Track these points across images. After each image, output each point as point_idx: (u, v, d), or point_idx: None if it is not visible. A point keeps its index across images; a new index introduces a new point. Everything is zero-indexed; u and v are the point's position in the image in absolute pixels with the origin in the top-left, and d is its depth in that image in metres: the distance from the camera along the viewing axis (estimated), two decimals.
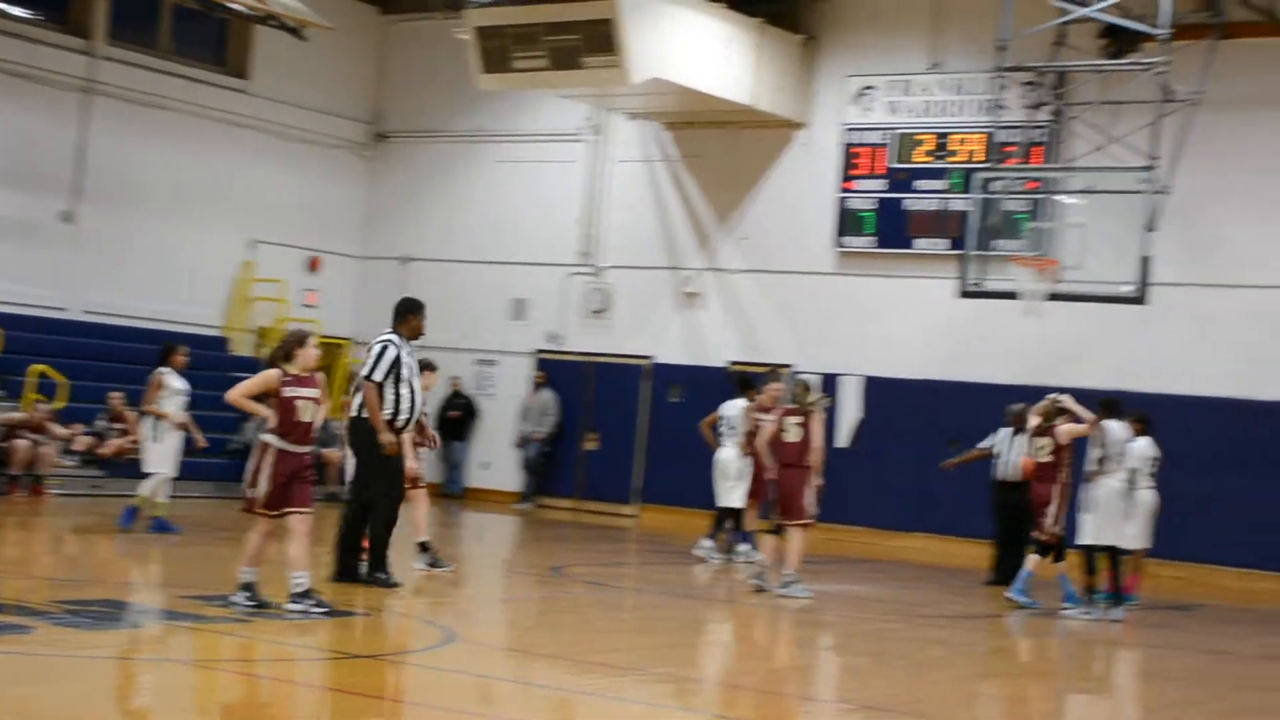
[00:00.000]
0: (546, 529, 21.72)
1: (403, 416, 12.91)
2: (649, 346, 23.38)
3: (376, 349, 12.88)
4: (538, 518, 22.93)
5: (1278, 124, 19.32)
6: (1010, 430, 17.40)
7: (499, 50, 20.46)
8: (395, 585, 12.96)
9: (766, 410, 16.75)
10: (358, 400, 13.00)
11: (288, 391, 11.09)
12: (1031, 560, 15.21)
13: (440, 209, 25.25)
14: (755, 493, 17.01)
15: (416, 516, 14.39)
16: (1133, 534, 15.65)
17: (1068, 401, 15.24)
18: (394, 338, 12.96)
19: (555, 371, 23.93)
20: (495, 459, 24.15)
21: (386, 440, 12.74)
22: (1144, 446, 15.70)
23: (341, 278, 25.36)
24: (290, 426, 11.07)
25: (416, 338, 13.18)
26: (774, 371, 18.48)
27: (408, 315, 13.13)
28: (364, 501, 13.09)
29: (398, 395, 12.85)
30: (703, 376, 22.40)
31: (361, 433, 12.95)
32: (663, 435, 22.97)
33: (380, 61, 25.84)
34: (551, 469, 23.94)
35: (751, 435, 16.35)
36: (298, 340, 11.30)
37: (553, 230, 24.25)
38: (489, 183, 24.88)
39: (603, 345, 23.83)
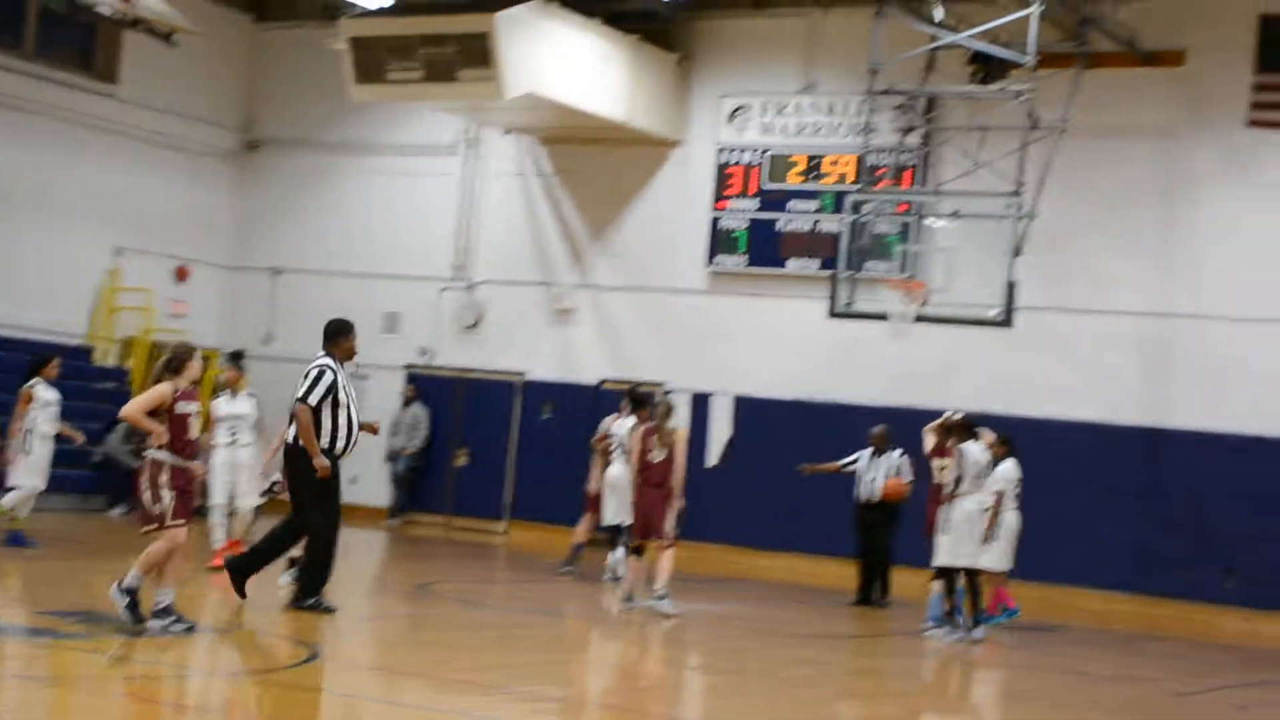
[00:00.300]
0: (415, 545, 21.57)
1: (340, 442, 12.67)
2: (521, 362, 23.32)
3: (313, 373, 12.57)
4: (407, 534, 22.76)
5: (1137, 153, 19.73)
6: (871, 451, 17.62)
7: (373, 61, 20.32)
8: (331, 611, 12.74)
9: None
10: (293, 426, 12.65)
11: (180, 407, 10.93)
12: (935, 585, 15.37)
13: (312, 220, 25.00)
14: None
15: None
16: (996, 555, 15.89)
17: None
18: (329, 361, 12.67)
19: (426, 386, 23.78)
20: (364, 474, 23.92)
21: (320, 465, 12.51)
22: (1009, 468, 15.94)
23: (210, 288, 25.00)
24: (183, 443, 10.94)
25: (351, 359, 12.92)
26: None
27: (339, 337, 12.84)
28: (298, 528, 12.83)
29: (335, 420, 12.58)
30: (574, 393, 22.39)
31: (297, 459, 12.64)
32: (533, 452, 22.91)
33: (253, 69, 25.53)
34: (421, 485, 23.77)
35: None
36: (186, 354, 11.13)
37: (426, 244, 24.11)
38: (362, 194, 24.68)
39: (474, 361, 23.72)
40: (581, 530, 17.96)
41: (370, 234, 24.53)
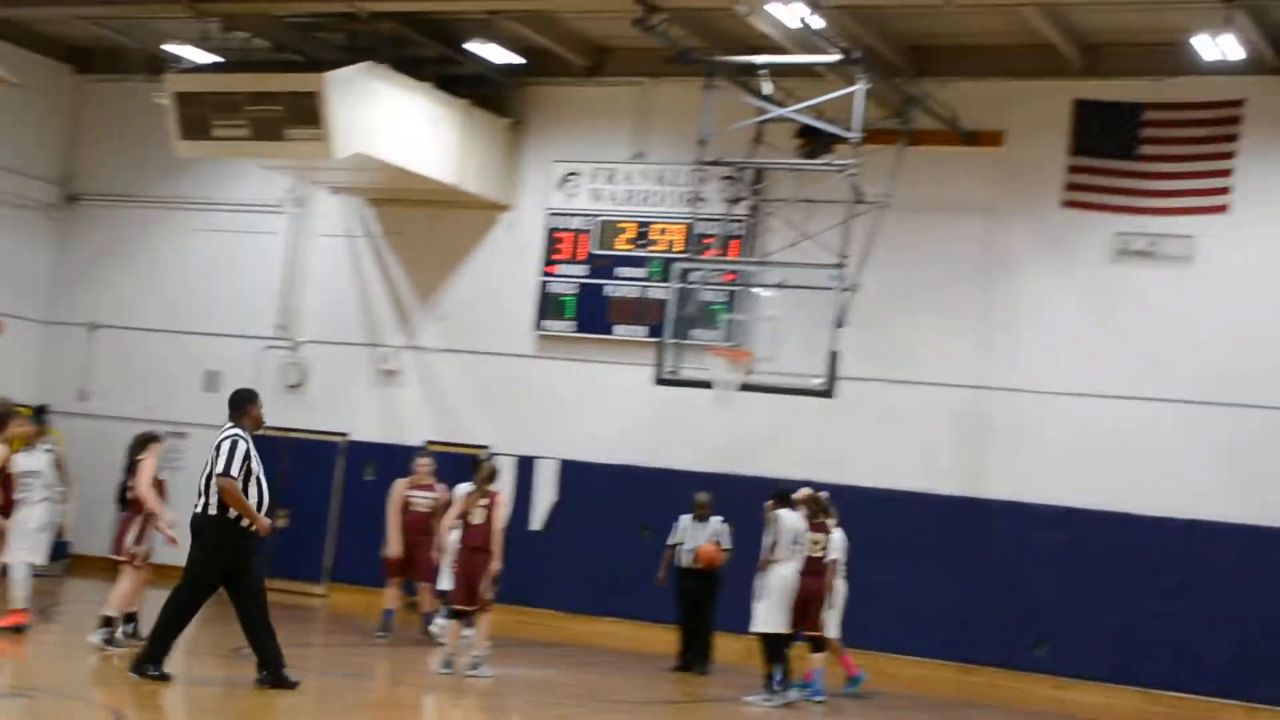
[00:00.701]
0: (232, 607, 21.07)
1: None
2: (344, 423, 23.07)
3: (227, 445, 12.48)
4: (224, 596, 22.25)
5: (958, 229, 20.18)
6: (691, 518, 17.74)
7: (198, 117, 20.06)
8: (166, 678, 12.61)
9: (419, 487, 17.54)
10: (214, 498, 12.48)
11: (12, 466, 10.72)
12: (816, 659, 15.48)
13: (133, 275, 24.53)
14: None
15: (123, 591, 14.38)
16: (835, 623, 16.14)
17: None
18: (239, 431, 12.60)
19: None
20: (183, 534, 23.36)
21: (263, 526, 12.60)
22: (841, 537, 16.19)
23: (23, 343, 24.35)
24: (10, 502, 10.69)
25: (259, 428, 12.83)
26: (423, 448, 18.76)
27: (247, 405, 12.79)
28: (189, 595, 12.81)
29: (246, 489, 12.50)
30: (399, 455, 22.14)
31: (215, 530, 12.54)
32: (356, 513, 22.62)
33: (74, 121, 25.02)
34: None
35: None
36: (8, 412, 10.92)
37: (250, 302, 23.79)
38: (186, 251, 24.30)
39: (297, 421, 23.36)
40: (392, 595, 17.95)
41: (192, 291, 24.15)
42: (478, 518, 15.03)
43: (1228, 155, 18.98)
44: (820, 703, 15.65)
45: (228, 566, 12.71)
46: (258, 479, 12.61)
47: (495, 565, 15.09)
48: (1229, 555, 18.53)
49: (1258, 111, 18.81)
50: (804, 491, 16.04)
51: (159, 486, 15.13)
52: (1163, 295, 19.27)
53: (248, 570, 12.84)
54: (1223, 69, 18.56)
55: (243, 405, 12.83)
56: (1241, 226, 18.96)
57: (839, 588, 16.31)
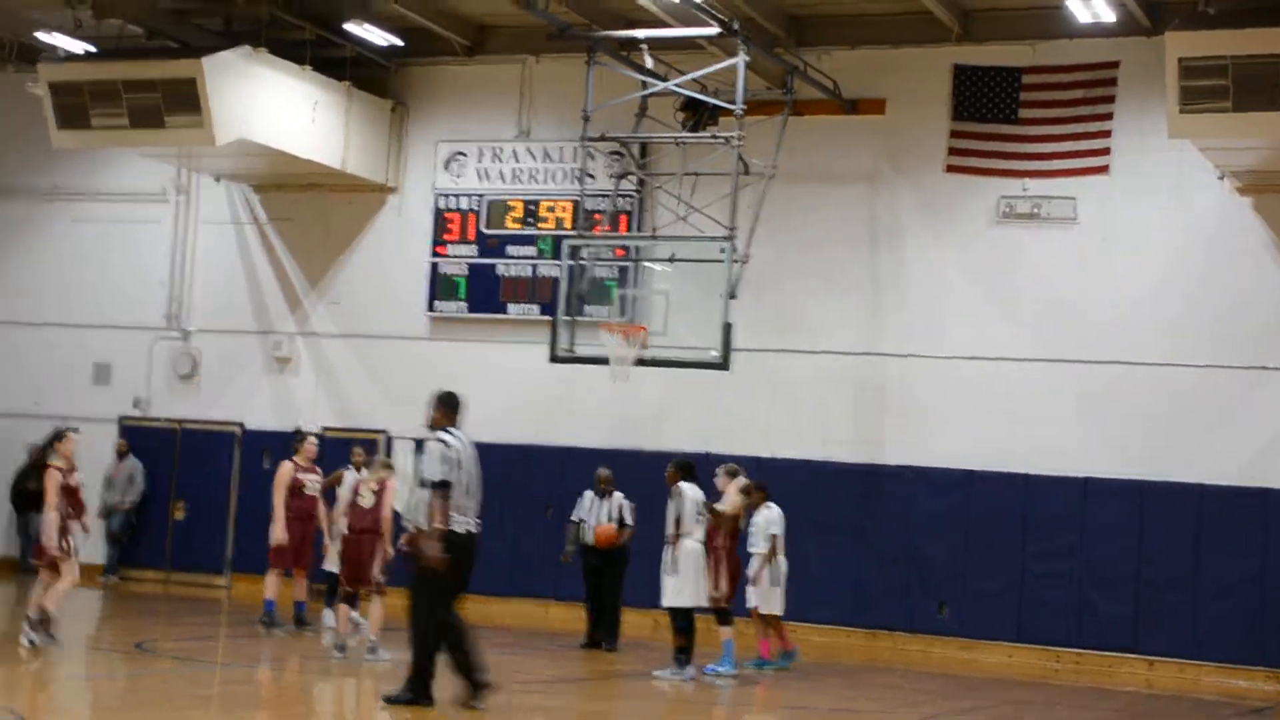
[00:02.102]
0: (133, 602, 20.94)
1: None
2: (239, 412, 22.85)
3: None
4: (124, 590, 22.08)
5: (844, 198, 20.32)
6: (593, 494, 17.78)
7: (76, 107, 19.76)
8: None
9: (306, 469, 17.34)
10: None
11: None
12: (725, 631, 15.56)
13: (13, 269, 24.13)
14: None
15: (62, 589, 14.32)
16: (777, 599, 16.23)
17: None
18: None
19: (141, 439, 23.12)
20: (77, 529, 23.06)
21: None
22: (776, 512, 16.36)
23: None
24: None
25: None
26: (298, 430, 18.54)
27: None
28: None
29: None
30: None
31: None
32: (255, 502, 22.36)
33: None
34: (138, 540, 23.09)
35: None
36: None
37: (137, 293, 23.48)
38: (68, 243, 23.93)
39: (191, 411, 23.17)
40: (275, 584, 17.66)
41: (79, 283, 23.80)
42: (367, 501, 15.13)
43: (1106, 116, 19.26)
44: (734, 676, 15.73)
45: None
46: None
47: (387, 550, 15.13)
48: (1121, 512, 18.86)
49: (1132, 72, 19.08)
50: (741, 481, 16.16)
51: (72, 485, 14.87)
52: (1048, 256, 19.53)
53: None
54: (1097, 31, 18.83)
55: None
56: (1122, 186, 19.24)
57: (780, 563, 16.46)
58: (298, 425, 19.66)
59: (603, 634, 17.83)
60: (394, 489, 15.42)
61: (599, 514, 17.70)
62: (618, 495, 17.78)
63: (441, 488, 11.61)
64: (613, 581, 17.77)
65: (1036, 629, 19.10)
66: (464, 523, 11.71)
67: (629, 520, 17.68)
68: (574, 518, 17.95)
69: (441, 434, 11.82)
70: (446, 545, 11.62)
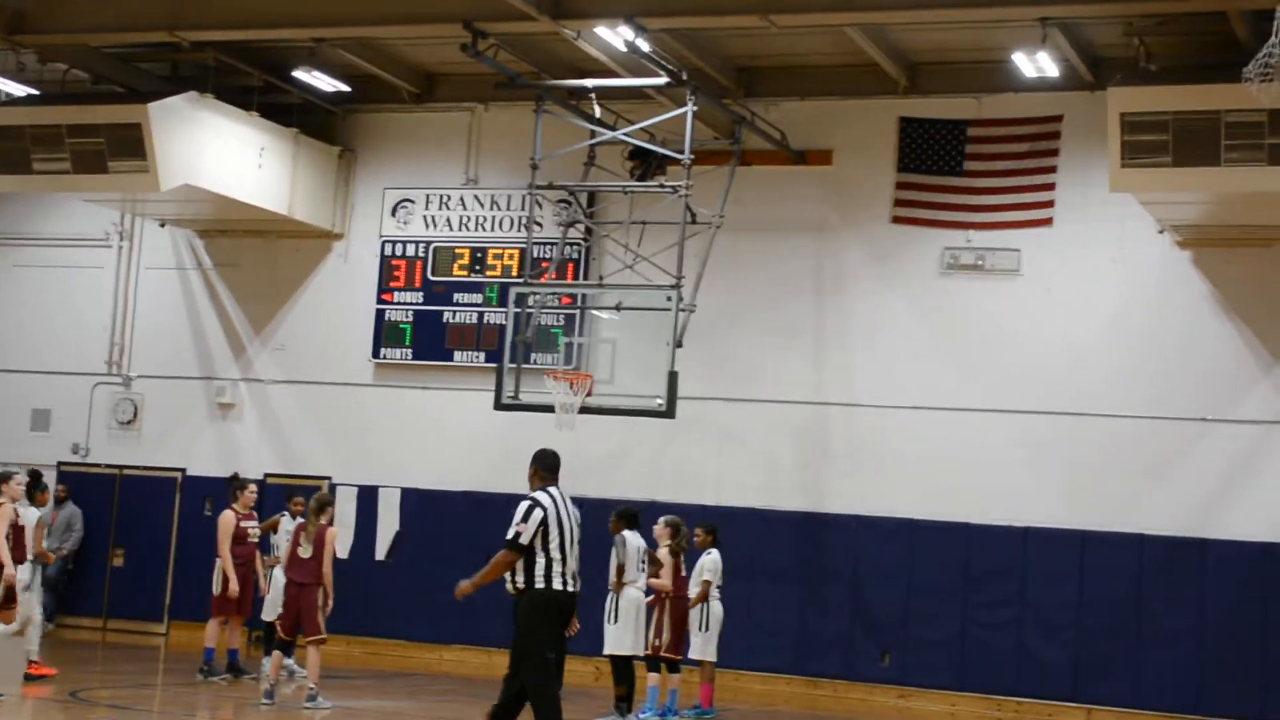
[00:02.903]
0: (68, 650, 20.63)
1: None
2: (180, 459, 22.68)
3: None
4: (59, 638, 21.78)
5: (791, 248, 20.41)
6: None
7: (17, 151, 19.65)
8: None
9: (246, 516, 17.29)
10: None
11: None
12: (653, 677, 15.54)
13: None
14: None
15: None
16: (711, 645, 16.22)
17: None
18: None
19: (80, 485, 22.90)
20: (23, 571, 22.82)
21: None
22: (716, 558, 16.33)
23: None
24: None
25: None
26: (235, 476, 18.46)
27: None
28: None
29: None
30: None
31: None
32: (195, 549, 22.21)
33: None
34: (75, 586, 22.84)
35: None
36: None
37: (79, 338, 23.33)
38: (8, 288, 23.79)
39: (131, 457, 22.99)
40: (226, 633, 17.57)
41: (18, 327, 23.66)
42: (305, 551, 15.10)
43: (1050, 169, 19.45)
44: None
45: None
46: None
47: (329, 603, 15.10)
48: (1062, 561, 18.95)
49: (1075, 126, 19.28)
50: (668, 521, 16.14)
51: (17, 531, 14.74)
52: (992, 307, 19.67)
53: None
54: (1041, 86, 19.03)
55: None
56: (1065, 238, 19.42)
57: (715, 610, 16.43)
58: (235, 472, 19.52)
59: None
60: (334, 536, 15.35)
61: None
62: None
63: (511, 546, 11.41)
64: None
65: (978, 677, 19.13)
66: (556, 580, 11.45)
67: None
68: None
69: (535, 493, 11.59)
70: (540, 603, 11.44)
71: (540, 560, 11.37)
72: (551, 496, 11.54)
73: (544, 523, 11.39)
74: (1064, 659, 18.83)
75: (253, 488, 17.88)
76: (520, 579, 11.42)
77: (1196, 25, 17.02)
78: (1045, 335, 19.40)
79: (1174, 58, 17.34)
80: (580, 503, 19.67)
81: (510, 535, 11.39)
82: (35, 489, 16.01)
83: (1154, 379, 18.96)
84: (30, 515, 15.53)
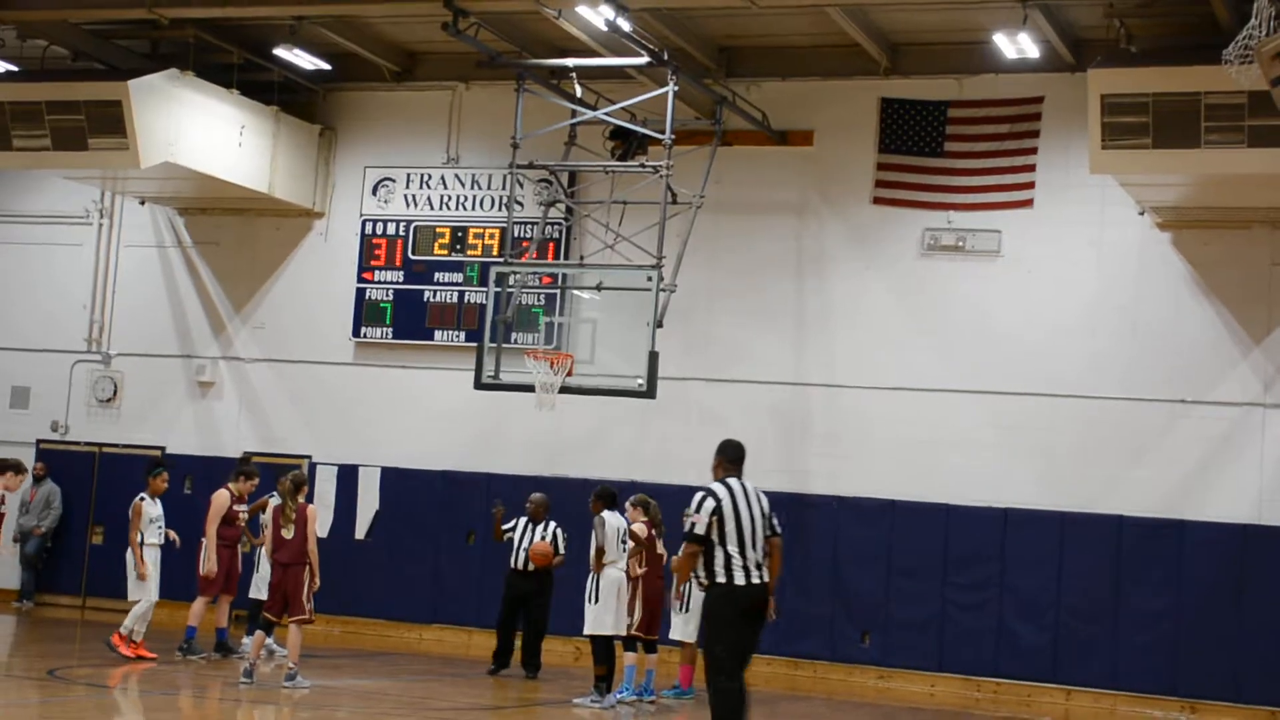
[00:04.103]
0: (47, 628, 20.66)
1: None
2: (160, 436, 22.64)
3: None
4: (38, 616, 21.78)
5: (772, 228, 20.41)
6: (527, 520, 17.72)
7: None
8: None
9: (241, 500, 17.37)
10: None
11: None
12: (630, 656, 15.56)
13: None
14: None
15: None
16: (691, 627, 16.23)
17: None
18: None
19: (59, 462, 22.85)
20: None
21: None
22: None
23: None
24: None
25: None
26: (247, 459, 18.48)
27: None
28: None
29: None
30: (217, 467, 21.77)
31: None
32: (175, 528, 22.09)
33: None
34: (54, 565, 22.81)
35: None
36: None
37: (58, 315, 23.26)
38: None
39: (111, 435, 22.93)
40: (214, 612, 17.60)
41: None
42: (288, 532, 15.10)
43: (1030, 151, 19.46)
44: (651, 702, 15.72)
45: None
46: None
47: (315, 581, 15.12)
48: (1041, 542, 19.00)
49: (1055, 108, 19.30)
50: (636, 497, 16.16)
51: None
52: (972, 289, 19.68)
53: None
54: (1022, 67, 19.04)
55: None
56: (1045, 220, 19.44)
57: (697, 591, 16.41)
58: (247, 454, 19.50)
59: (526, 660, 17.75)
60: (314, 516, 15.32)
61: (533, 537, 17.63)
62: (552, 524, 17.74)
63: (689, 538, 11.13)
64: (541, 608, 17.70)
65: (957, 658, 19.20)
66: (737, 574, 11.06)
67: (562, 549, 17.62)
68: (505, 527, 17.79)
69: (712, 484, 11.27)
70: (720, 598, 11.09)
71: (719, 554, 10.97)
72: (728, 487, 11.14)
73: (717, 513, 11.00)
74: (1043, 640, 18.89)
75: (256, 480, 17.78)
76: (703, 574, 11.07)
77: (1177, 7, 17.03)
78: (1025, 316, 19.43)
79: (1155, 39, 17.33)
80: (562, 482, 19.96)
81: (686, 527, 11.15)
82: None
83: (1133, 361, 19.01)
84: None
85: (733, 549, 10.96)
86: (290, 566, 15.07)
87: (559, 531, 17.69)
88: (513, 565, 17.69)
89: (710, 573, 11.00)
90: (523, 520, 17.76)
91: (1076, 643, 18.77)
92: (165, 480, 17.40)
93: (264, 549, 16.69)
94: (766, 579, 11.07)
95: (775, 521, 11.25)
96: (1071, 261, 19.34)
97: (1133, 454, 18.88)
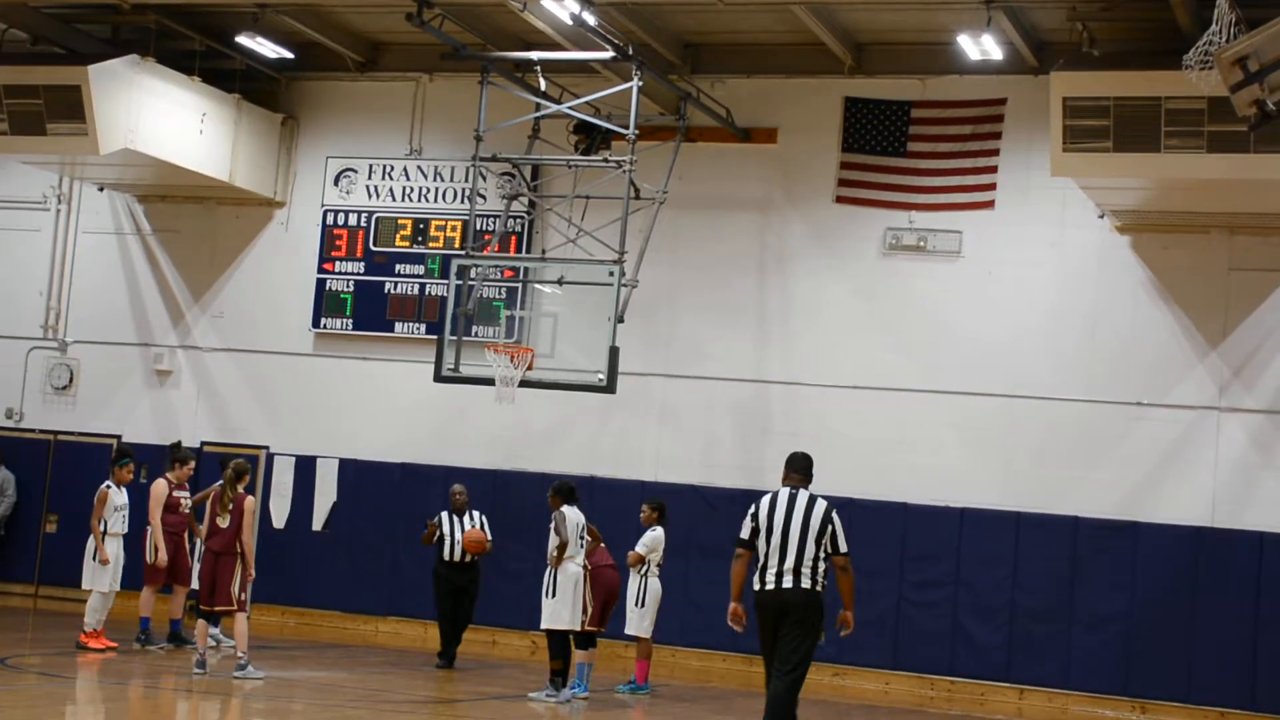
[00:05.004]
0: None
1: None
2: (116, 425, 22.50)
3: (838, 519, 11.57)
4: None
5: (735, 225, 20.43)
6: (449, 512, 17.76)
7: None
8: None
9: (179, 486, 17.42)
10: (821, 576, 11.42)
11: None
12: (580, 654, 15.63)
13: None
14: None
15: None
16: (646, 622, 16.28)
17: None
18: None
19: (12, 449, 22.68)
20: None
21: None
22: (659, 535, 16.37)
23: None
24: None
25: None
26: (178, 445, 18.52)
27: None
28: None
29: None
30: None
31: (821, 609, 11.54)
32: (129, 517, 22.03)
33: None
34: (7, 553, 22.64)
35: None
36: None
37: (14, 301, 23.10)
38: None
39: (66, 423, 22.79)
40: (168, 602, 17.58)
41: None
42: (223, 521, 15.05)
43: (992, 153, 19.53)
44: (585, 698, 15.70)
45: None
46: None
47: (249, 571, 15.06)
48: (997, 542, 19.08)
49: (1018, 110, 19.37)
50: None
51: None
52: (932, 289, 19.74)
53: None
54: (985, 69, 19.12)
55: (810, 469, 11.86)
56: (1006, 221, 19.51)
57: (653, 586, 16.46)
58: (178, 440, 19.40)
59: (456, 648, 17.82)
60: (252, 508, 15.30)
61: (462, 528, 17.67)
62: (476, 513, 17.82)
63: (736, 544, 11.50)
64: (471, 599, 17.78)
65: (912, 657, 19.27)
66: (759, 581, 11.42)
67: (488, 536, 17.70)
68: (433, 521, 17.86)
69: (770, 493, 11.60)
70: (754, 603, 11.48)
71: (759, 560, 11.37)
72: (774, 496, 11.48)
73: (754, 517, 11.38)
74: (997, 640, 18.98)
75: (192, 463, 17.84)
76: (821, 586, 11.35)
77: (1139, 12, 17.11)
78: (985, 317, 19.50)
79: (1117, 43, 17.42)
80: (521, 476, 19.92)
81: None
82: None
83: (1091, 363, 19.11)
84: None
85: (765, 555, 11.27)
86: (222, 555, 15.04)
87: (484, 519, 17.76)
88: (445, 558, 17.71)
89: (752, 577, 11.36)
90: (445, 514, 17.80)
91: (1030, 642, 18.87)
92: (130, 471, 17.36)
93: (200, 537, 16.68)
94: (805, 586, 11.24)
95: (840, 541, 11.38)
96: (1032, 263, 19.42)
97: (1090, 455, 18.98)
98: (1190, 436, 18.72)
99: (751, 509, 11.50)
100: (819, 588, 11.31)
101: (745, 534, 11.38)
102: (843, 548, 11.38)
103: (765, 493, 11.74)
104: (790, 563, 11.20)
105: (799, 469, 11.75)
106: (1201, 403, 18.73)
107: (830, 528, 11.33)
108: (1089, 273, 19.28)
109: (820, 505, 11.43)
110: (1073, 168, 17.35)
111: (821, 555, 11.30)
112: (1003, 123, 19.49)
